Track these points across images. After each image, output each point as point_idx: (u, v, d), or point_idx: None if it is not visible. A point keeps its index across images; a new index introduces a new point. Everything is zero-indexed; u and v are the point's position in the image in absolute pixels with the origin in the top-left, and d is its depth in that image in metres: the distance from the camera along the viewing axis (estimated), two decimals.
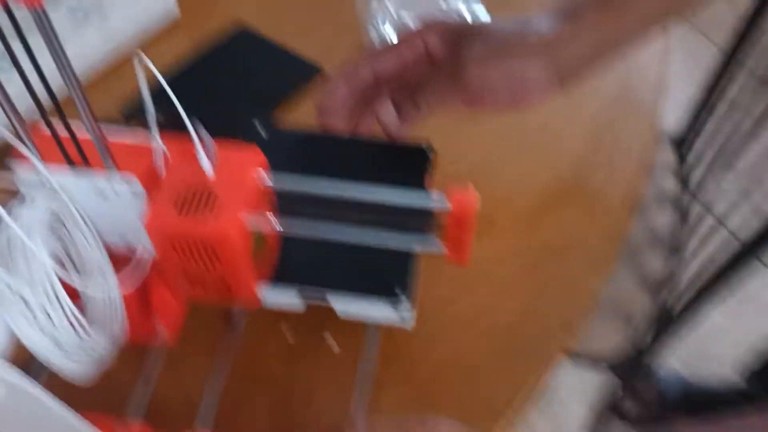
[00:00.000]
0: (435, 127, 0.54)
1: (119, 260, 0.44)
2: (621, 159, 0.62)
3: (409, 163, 0.51)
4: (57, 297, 0.37)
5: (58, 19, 0.32)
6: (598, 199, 0.59)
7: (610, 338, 0.89)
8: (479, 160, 0.62)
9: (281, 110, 0.65)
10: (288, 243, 0.47)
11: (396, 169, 0.51)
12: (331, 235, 0.43)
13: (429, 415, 0.39)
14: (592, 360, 0.92)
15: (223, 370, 0.49)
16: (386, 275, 0.47)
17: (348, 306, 0.47)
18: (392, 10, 0.71)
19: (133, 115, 0.64)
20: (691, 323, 0.84)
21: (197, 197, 0.39)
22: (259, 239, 0.43)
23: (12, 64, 0.35)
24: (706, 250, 0.91)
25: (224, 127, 0.62)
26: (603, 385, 1.38)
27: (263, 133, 0.54)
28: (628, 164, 0.62)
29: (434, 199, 0.41)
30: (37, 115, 0.38)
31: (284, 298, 0.47)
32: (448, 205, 0.40)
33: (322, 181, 0.42)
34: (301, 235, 0.44)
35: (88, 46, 0.64)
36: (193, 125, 0.40)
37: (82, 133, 0.39)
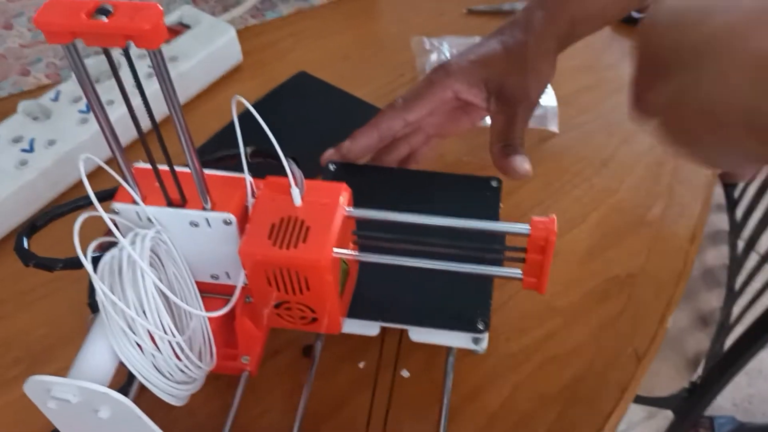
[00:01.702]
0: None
1: (208, 288, 0.46)
2: (681, 189, 0.63)
3: (479, 195, 0.53)
4: (161, 322, 0.38)
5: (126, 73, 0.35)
6: (660, 230, 0.60)
7: (666, 375, 0.89)
8: (538, 191, 0.63)
9: None
10: (367, 275, 0.48)
11: (468, 201, 0.53)
12: (410, 265, 0.45)
13: None
14: (650, 398, 0.91)
15: (306, 396, 0.50)
16: (466, 308, 0.48)
17: (426, 337, 0.48)
18: (446, 52, 0.74)
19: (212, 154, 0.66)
20: (742, 362, 0.83)
21: (289, 227, 0.41)
22: (344, 270, 0.44)
23: (122, 99, 0.37)
24: (753, 287, 0.91)
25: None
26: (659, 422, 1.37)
27: (332, 168, 0.56)
28: (687, 194, 0.63)
29: (517, 227, 0.42)
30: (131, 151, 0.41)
31: (363, 329, 0.48)
32: (531, 231, 0.41)
33: (403, 212, 0.44)
34: (383, 263, 0.45)
35: (158, 92, 0.67)
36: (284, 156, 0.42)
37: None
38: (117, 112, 0.58)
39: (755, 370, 1.47)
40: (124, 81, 0.37)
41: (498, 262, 0.45)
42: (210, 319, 0.47)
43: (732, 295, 0.94)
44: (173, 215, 0.42)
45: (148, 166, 0.41)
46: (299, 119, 0.70)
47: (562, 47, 0.57)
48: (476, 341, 0.48)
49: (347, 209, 0.43)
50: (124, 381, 0.48)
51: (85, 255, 0.38)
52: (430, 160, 0.65)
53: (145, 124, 0.38)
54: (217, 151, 0.66)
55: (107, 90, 0.49)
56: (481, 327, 0.47)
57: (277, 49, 0.77)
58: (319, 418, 0.50)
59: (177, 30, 0.72)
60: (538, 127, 0.67)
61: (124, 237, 0.44)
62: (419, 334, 0.48)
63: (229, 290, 0.47)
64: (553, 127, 0.67)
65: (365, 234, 0.45)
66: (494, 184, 0.53)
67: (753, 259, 0.93)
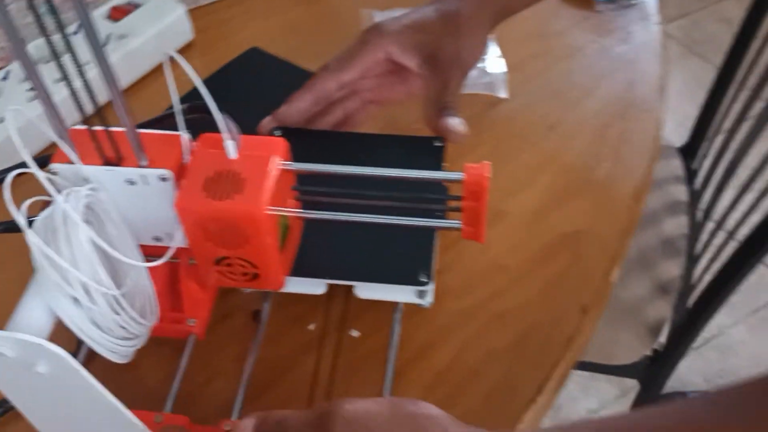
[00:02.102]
0: None
1: (151, 252, 0.47)
2: (626, 150, 0.64)
3: (423, 155, 0.54)
4: (99, 279, 0.38)
5: (80, 41, 0.36)
6: (605, 189, 0.61)
7: (628, 344, 0.90)
8: (486, 156, 0.63)
9: None
10: (312, 233, 0.49)
11: (412, 161, 0.53)
12: (352, 219, 0.45)
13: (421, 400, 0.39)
14: (607, 366, 0.92)
15: (252, 363, 0.50)
16: (410, 262, 0.48)
17: (371, 292, 0.49)
18: None
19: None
20: (700, 325, 0.85)
21: (225, 180, 0.41)
22: (284, 225, 0.45)
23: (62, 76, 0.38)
24: (710, 253, 0.92)
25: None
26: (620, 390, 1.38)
27: (277, 135, 0.55)
28: (633, 155, 0.64)
29: (451, 173, 0.43)
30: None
31: (309, 287, 0.49)
32: (465, 177, 0.42)
33: (341, 165, 0.44)
34: (324, 219, 0.46)
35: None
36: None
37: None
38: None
39: (725, 346, 1.49)
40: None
41: (440, 216, 0.46)
42: (155, 280, 0.47)
43: (692, 263, 0.96)
44: (110, 173, 0.43)
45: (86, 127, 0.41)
46: (251, 95, 0.70)
47: (497, 19, 0.58)
48: (420, 294, 0.48)
49: (284, 162, 0.43)
50: (73, 348, 0.48)
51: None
52: (381, 125, 0.66)
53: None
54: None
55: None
56: (423, 279, 0.47)
57: (229, 26, 0.77)
58: (265, 383, 0.50)
59: (127, 9, 0.72)
60: (487, 94, 0.68)
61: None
62: (365, 291, 0.49)
63: (174, 253, 0.47)
64: (502, 93, 0.68)
65: (305, 189, 0.45)
66: (437, 143, 0.54)
67: (711, 228, 0.94)
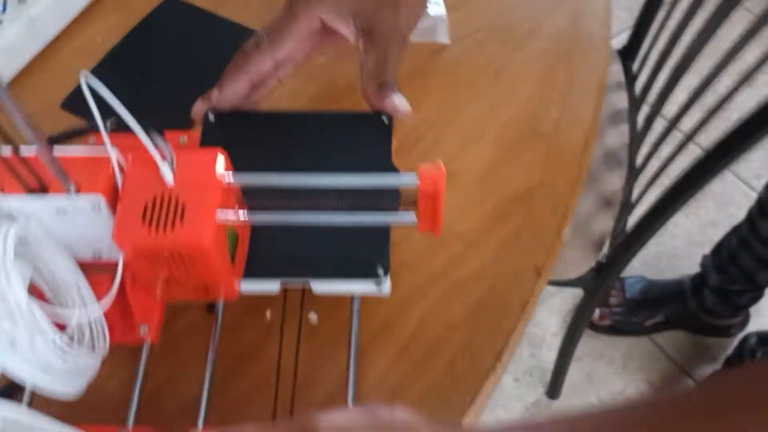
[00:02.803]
0: None
1: (90, 267, 0.44)
2: (573, 94, 0.63)
3: (371, 133, 0.51)
4: (38, 325, 0.36)
5: None
6: (554, 140, 0.60)
7: (573, 259, 0.92)
8: (433, 111, 0.62)
9: None
10: (262, 233, 0.47)
11: (360, 140, 0.51)
12: (303, 222, 0.43)
13: (397, 406, 0.40)
14: (560, 281, 0.95)
15: (213, 356, 0.49)
16: (365, 255, 0.47)
17: (328, 287, 0.48)
18: None
19: (76, 109, 0.62)
20: (645, 239, 0.87)
21: (163, 206, 0.39)
22: (232, 236, 0.43)
23: None
24: (653, 164, 0.93)
25: (170, 106, 0.61)
26: (574, 301, 1.45)
27: (211, 118, 0.52)
28: (580, 99, 0.62)
29: (405, 179, 0.41)
30: None
31: (263, 287, 0.47)
32: (419, 183, 0.41)
33: (289, 174, 0.42)
34: (274, 224, 0.44)
35: (10, 42, 0.60)
36: (146, 131, 0.39)
37: (30, 152, 0.38)
38: None
39: (662, 228, 1.55)
40: None
41: (393, 208, 0.45)
42: (99, 292, 0.45)
43: (633, 173, 0.97)
44: (35, 203, 0.39)
45: None
46: (174, 53, 0.65)
47: None
48: (379, 285, 0.48)
49: (226, 177, 0.41)
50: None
51: None
52: (322, 86, 0.62)
53: None
54: (84, 99, 0.61)
55: None
56: (381, 272, 0.47)
57: None
58: (229, 376, 0.50)
59: None
60: (427, 41, 0.64)
61: None
62: (321, 286, 0.48)
63: (113, 265, 0.45)
64: (444, 39, 0.64)
65: (251, 195, 0.43)
66: (386, 120, 0.51)
67: (653, 134, 0.94)
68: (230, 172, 0.41)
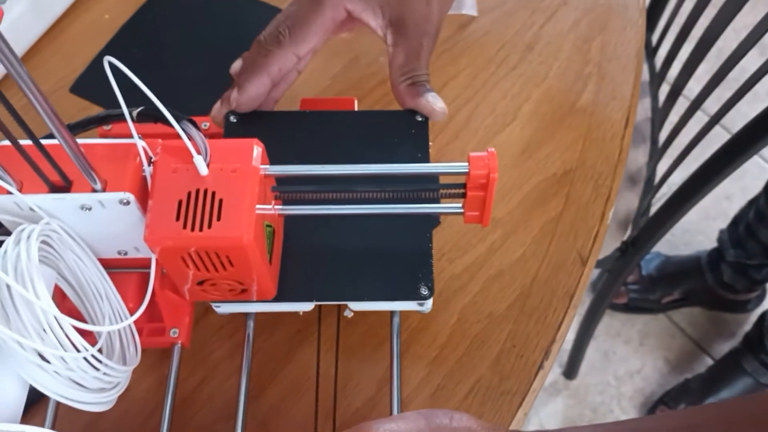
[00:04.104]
0: None
1: (115, 265, 0.41)
2: (610, 67, 0.59)
3: (405, 131, 0.46)
4: (70, 340, 0.33)
5: None
6: (593, 116, 0.57)
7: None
8: (464, 88, 0.58)
9: None
10: (296, 252, 0.43)
11: (394, 139, 0.46)
12: (342, 212, 0.40)
13: (455, 411, 0.36)
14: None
15: (248, 357, 0.46)
16: (407, 274, 0.43)
17: (367, 306, 0.44)
18: None
19: (85, 93, 0.58)
20: (671, 223, 0.84)
21: (199, 202, 0.35)
22: (270, 233, 0.40)
23: None
24: (680, 141, 0.90)
25: (183, 87, 0.57)
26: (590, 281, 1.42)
27: (232, 119, 0.47)
28: (617, 71, 0.59)
29: (455, 167, 0.38)
30: None
31: (296, 306, 0.44)
32: (470, 171, 0.37)
33: (327, 163, 0.39)
34: (311, 215, 0.41)
35: (15, 21, 0.57)
36: (177, 120, 0.35)
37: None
38: None
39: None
40: None
41: (434, 200, 0.41)
42: (126, 294, 0.42)
43: (657, 149, 0.94)
44: (59, 202, 0.36)
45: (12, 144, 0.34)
46: (186, 29, 0.61)
47: None
48: (423, 305, 0.44)
49: (262, 168, 0.37)
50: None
51: None
52: (344, 65, 0.59)
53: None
54: (95, 82, 0.58)
55: None
56: (424, 292, 0.42)
57: None
58: (264, 378, 0.47)
59: None
60: (454, 13, 0.61)
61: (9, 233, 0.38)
62: (359, 305, 0.44)
63: (140, 263, 0.42)
64: (471, 11, 0.61)
65: (287, 189, 0.40)
66: (419, 118, 0.47)
67: (679, 108, 0.91)
68: (266, 163, 0.38)
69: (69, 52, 0.60)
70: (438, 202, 0.42)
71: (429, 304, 0.43)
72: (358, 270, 0.43)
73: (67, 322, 0.33)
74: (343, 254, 0.43)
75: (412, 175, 0.40)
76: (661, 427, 0.36)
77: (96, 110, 0.57)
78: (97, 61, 0.59)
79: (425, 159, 0.45)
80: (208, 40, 0.61)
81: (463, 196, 0.40)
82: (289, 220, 0.44)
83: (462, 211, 0.41)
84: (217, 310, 0.44)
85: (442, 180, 0.42)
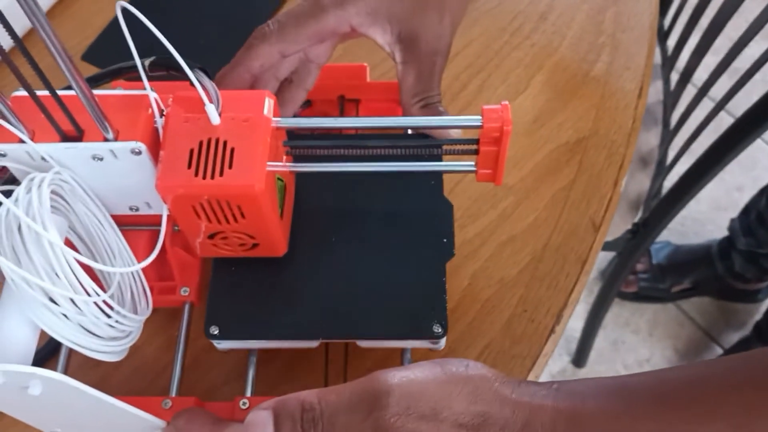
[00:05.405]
0: None
1: (126, 223, 0.41)
2: (624, 37, 0.59)
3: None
4: (80, 283, 0.33)
5: None
6: (606, 86, 0.57)
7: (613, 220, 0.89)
8: (477, 57, 0.58)
9: None
10: (306, 286, 0.41)
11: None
12: (352, 170, 0.40)
13: (470, 360, 0.35)
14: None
15: None
16: (419, 310, 0.40)
17: (376, 344, 0.42)
18: None
19: (98, 60, 0.58)
20: (682, 204, 0.84)
21: (210, 151, 0.35)
22: (281, 188, 0.40)
23: None
24: (690, 124, 0.90)
25: (195, 53, 0.57)
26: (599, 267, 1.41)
27: None
28: (631, 41, 0.59)
29: (467, 119, 0.38)
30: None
31: (302, 343, 0.42)
32: (483, 124, 0.37)
33: (340, 118, 0.39)
34: (323, 173, 0.41)
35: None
36: (190, 68, 0.35)
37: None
38: None
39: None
40: None
41: (437, 157, 0.41)
42: (137, 252, 0.42)
43: (668, 132, 0.94)
44: (71, 151, 0.36)
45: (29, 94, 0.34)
46: (196, 3, 0.61)
47: None
48: (437, 343, 0.41)
49: (274, 120, 0.37)
50: (46, 341, 0.43)
51: None
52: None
53: (6, 42, 0.31)
54: (107, 50, 0.58)
55: None
56: (438, 331, 0.40)
57: None
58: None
59: None
60: None
61: (17, 181, 0.38)
62: (368, 342, 0.42)
63: (151, 220, 0.42)
64: None
65: (298, 144, 0.40)
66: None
67: (689, 92, 0.91)
68: (277, 115, 0.38)
69: (81, 20, 0.60)
70: (440, 158, 0.41)
71: (443, 342, 0.41)
72: (367, 305, 0.41)
73: (76, 262, 0.33)
74: (351, 287, 0.41)
75: (424, 128, 0.39)
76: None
77: None
78: (109, 29, 0.59)
79: (438, 186, 0.44)
80: (217, 15, 0.61)
81: (476, 152, 0.39)
82: (296, 250, 0.42)
83: (474, 169, 0.41)
84: (218, 346, 0.42)
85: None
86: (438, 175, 0.44)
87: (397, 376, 0.33)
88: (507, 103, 0.37)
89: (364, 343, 0.42)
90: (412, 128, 0.40)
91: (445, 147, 0.40)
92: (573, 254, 0.50)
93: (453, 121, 0.39)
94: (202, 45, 0.60)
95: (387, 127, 0.39)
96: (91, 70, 0.58)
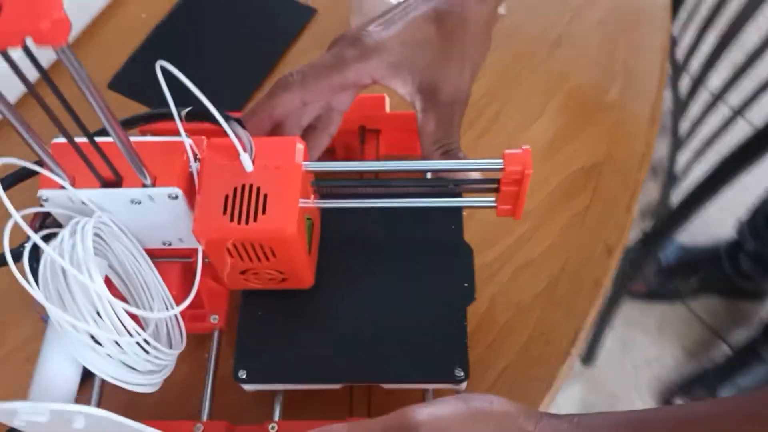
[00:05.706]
0: None
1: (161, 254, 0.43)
2: (636, 64, 0.60)
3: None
4: (123, 325, 0.35)
5: None
6: (619, 113, 0.58)
7: None
8: (493, 85, 0.59)
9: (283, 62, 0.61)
10: (329, 332, 0.43)
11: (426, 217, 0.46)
12: (376, 205, 0.42)
13: (493, 395, 0.37)
14: None
15: None
16: (440, 354, 0.42)
17: (401, 386, 0.44)
18: None
19: (123, 89, 0.60)
20: (692, 215, 0.85)
21: (245, 197, 0.37)
22: (309, 226, 0.41)
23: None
24: (701, 133, 0.91)
25: (219, 84, 0.59)
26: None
27: None
28: (643, 68, 0.60)
29: (490, 162, 0.39)
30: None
31: (326, 385, 0.44)
32: (505, 166, 0.39)
33: (365, 161, 0.40)
34: (348, 208, 0.42)
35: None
36: (226, 120, 0.37)
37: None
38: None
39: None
40: None
41: (457, 195, 0.43)
42: (169, 281, 0.44)
43: (677, 141, 0.95)
44: (110, 196, 0.38)
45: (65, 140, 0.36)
46: (222, 28, 0.63)
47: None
48: (458, 385, 0.42)
49: (304, 165, 0.39)
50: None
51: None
52: None
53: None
54: (132, 79, 0.60)
55: None
56: (459, 375, 0.41)
57: None
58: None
59: None
60: None
61: (60, 225, 0.39)
62: (391, 384, 0.44)
63: (183, 253, 0.44)
64: (500, 9, 0.62)
65: (326, 184, 0.41)
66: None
67: (699, 102, 0.92)
68: (307, 160, 0.40)
69: (107, 50, 0.62)
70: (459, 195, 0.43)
71: (464, 385, 0.42)
72: (390, 348, 0.42)
73: (120, 307, 0.35)
74: (373, 328, 0.43)
75: (447, 171, 0.41)
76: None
77: (133, 106, 0.59)
78: (134, 58, 0.61)
79: (459, 230, 0.46)
80: (242, 39, 0.62)
81: (497, 191, 0.41)
82: (319, 295, 0.44)
83: (495, 204, 0.42)
84: (245, 387, 0.44)
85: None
86: (458, 219, 0.46)
87: (424, 413, 0.35)
88: (528, 147, 0.39)
89: (386, 386, 0.43)
90: (433, 172, 0.42)
91: (467, 185, 0.42)
92: (589, 278, 0.52)
93: (474, 164, 0.41)
94: (231, 62, 0.61)
95: (409, 171, 0.40)
96: (117, 99, 0.59)
